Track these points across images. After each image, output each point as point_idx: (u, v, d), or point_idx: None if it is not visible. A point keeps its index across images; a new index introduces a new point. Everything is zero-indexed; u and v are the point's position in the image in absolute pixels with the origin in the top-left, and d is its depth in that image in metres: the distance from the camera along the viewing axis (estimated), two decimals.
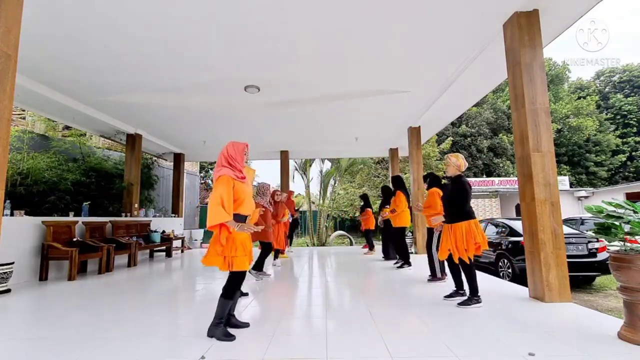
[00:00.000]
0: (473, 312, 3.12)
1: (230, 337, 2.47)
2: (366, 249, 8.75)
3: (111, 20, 3.87)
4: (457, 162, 3.49)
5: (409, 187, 7.02)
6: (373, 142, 10.01)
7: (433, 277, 4.66)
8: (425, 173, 5.17)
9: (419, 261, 6.42)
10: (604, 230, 2.54)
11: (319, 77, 5.50)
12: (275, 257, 6.51)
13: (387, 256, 7.08)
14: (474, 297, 3.31)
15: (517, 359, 2.10)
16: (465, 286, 3.47)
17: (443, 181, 4.73)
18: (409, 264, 5.92)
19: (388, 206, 6.69)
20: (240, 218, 2.56)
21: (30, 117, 9.92)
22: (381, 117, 7.71)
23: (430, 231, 4.70)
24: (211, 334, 2.50)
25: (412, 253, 7.87)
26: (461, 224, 3.34)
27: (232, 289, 2.56)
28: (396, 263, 6.20)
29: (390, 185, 7.01)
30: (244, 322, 2.80)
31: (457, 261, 3.41)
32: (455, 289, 3.66)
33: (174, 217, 10.45)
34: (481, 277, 5.06)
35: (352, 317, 3.10)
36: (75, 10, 3.67)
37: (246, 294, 3.91)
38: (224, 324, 2.57)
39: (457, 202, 3.42)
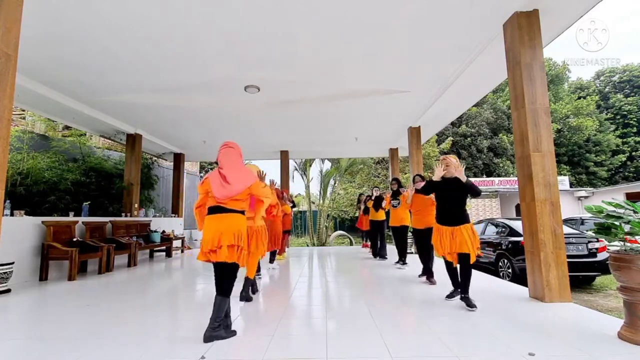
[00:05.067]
0: (473, 312, 3.11)
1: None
2: (367, 248, 8.79)
3: (111, 20, 3.87)
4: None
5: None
6: (373, 142, 10.01)
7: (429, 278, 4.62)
8: (418, 174, 5.22)
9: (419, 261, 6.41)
10: (604, 230, 2.54)
11: (319, 77, 5.50)
12: (272, 259, 6.32)
13: (380, 255, 7.10)
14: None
15: (517, 359, 2.10)
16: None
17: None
18: (405, 264, 5.93)
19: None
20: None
21: (30, 117, 9.92)
22: (381, 117, 7.71)
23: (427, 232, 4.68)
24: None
25: (412, 253, 7.85)
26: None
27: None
28: (397, 262, 6.18)
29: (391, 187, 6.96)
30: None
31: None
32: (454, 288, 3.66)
33: (174, 217, 10.45)
34: (481, 277, 5.07)
35: (352, 317, 3.09)
36: (75, 10, 3.67)
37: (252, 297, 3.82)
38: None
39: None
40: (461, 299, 3.34)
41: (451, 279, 3.66)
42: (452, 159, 3.47)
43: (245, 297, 3.64)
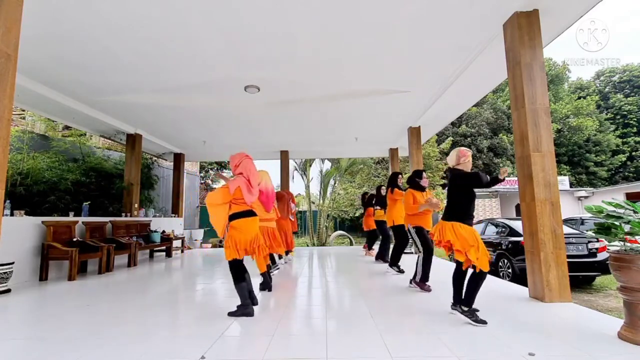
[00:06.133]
0: None
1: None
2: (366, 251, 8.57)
3: (111, 20, 3.87)
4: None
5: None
6: (373, 142, 10.01)
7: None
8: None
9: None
10: (604, 230, 2.54)
11: (319, 77, 5.50)
12: (280, 257, 6.30)
13: (382, 258, 6.94)
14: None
15: (517, 359, 2.10)
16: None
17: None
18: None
19: (378, 207, 6.85)
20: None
21: (30, 117, 9.92)
22: (381, 117, 7.71)
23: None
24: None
25: (411, 253, 7.81)
26: None
27: (232, 276, 3.10)
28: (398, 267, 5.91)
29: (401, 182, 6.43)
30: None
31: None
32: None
33: (174, 217, 10.44)
34: None
35: (352, 317, 3.10)
36: (75, 10, 3.67)
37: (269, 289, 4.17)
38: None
39: None
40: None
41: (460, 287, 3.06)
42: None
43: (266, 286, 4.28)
